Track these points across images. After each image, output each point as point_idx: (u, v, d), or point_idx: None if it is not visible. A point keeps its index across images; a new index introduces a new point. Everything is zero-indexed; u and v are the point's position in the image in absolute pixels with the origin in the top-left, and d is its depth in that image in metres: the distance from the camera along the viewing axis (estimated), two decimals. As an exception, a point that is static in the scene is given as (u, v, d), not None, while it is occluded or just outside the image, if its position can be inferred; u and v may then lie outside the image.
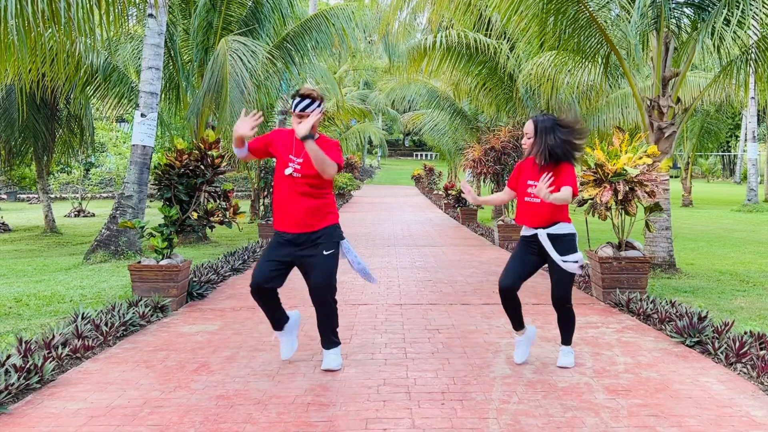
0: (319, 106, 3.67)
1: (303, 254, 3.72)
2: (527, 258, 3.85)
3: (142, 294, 5.53)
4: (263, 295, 3.77)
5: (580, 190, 5.96)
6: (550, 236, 3.76)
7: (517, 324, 3.95)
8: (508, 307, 3.88)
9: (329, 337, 3.88)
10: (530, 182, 3.76)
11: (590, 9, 7.37)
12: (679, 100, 8.05)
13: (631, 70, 7.96)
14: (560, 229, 3.77)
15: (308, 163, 3.67)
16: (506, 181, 3.97)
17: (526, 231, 3.88)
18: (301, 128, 3.49)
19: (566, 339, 3.97)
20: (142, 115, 9.36)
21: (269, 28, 12.39)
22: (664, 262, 7.66)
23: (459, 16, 12.00)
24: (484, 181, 13.58)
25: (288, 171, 3.70)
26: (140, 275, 5.57)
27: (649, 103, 7.85)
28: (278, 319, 3.91)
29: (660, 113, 7.78)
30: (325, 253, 3.71)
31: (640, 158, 5.82)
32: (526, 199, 3.78)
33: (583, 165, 6.02)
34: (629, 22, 7.29)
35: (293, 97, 3.69)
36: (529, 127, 3.77)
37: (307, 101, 3.62)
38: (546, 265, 3.87)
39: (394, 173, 50.60)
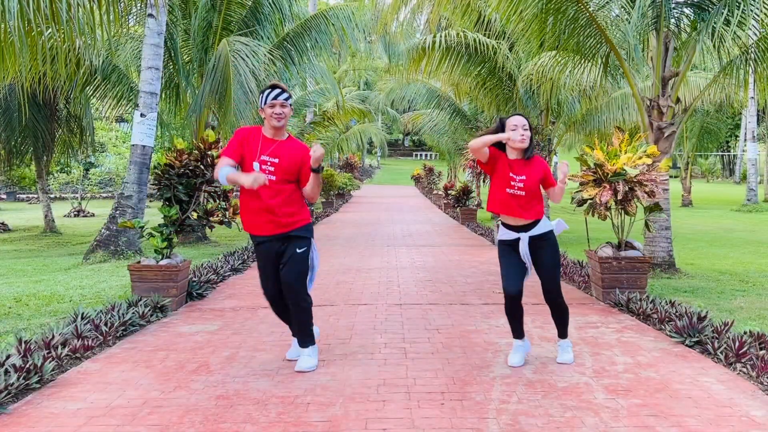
0: (289, 98, 3.76)
1: (277, 250, 3.79)
2: (518, 259, 3.87)
3: (141, 294, 5.53)
4: (280, 304, 3.91)
5: (580, 191, 5.97)
6: (534, 238, 3.82)
7: (520, 332, 3.99)
8: (515, 313, 3.92)
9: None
10: (514, 175, 3.75)
11: (590, 9, 7.37)
12: (678, 100, 8.05)
13: (630, 70, 7.96)
14: (541, 228, 3.84)
15: (283, 162, 3.69)
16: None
17: (507, 235, 3.87)
18: (318, 159, 3.61)
19: (563, 332, 4.03)
20: (142, 115, 9.36)
21: (269, 28, 12.39)
22: (663, 262, 7.66)
23: (458, 16, 12.01)
24: (483, 181, 13.59)
25: (263, 173, 3.64)
26: (140, 275, 5.57)
27: (648, 103, 7.86)
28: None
29: (660, 113, 7.78)
30: (298, 251, 3.77)
31: (640, 158, 5.82)
32: (509, 191, 3.77)
33: (582, 165, 6.02)
34: (629, 22, 7.28)
35: (268, 89, 3.71)
36: (523, 120, 3.78)
37: (283, 92, 3.70)
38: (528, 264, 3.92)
39: (394, 173, 50.59)
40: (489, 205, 3.91)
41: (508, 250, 3.89)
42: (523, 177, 3.76)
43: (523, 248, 3.82)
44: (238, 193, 4.05)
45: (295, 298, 3.80)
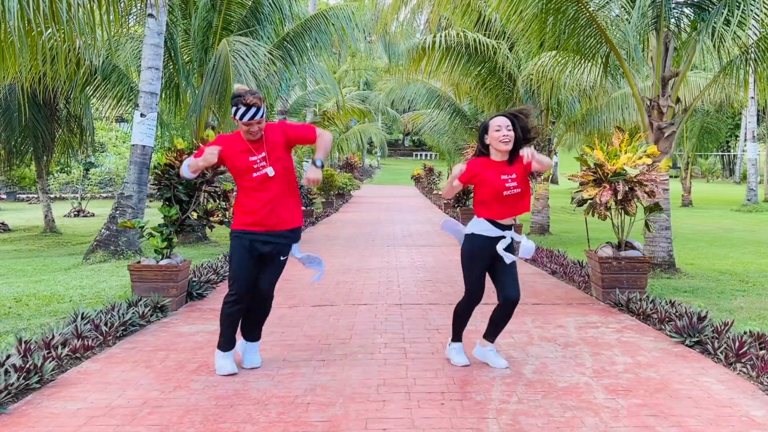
0: (263, 113, 3.64)
1: (263, 251, 3.74)
2: (487, 263, 3.81)
3: (141, 294, 5.53)
4: (244, 303, 3.79)
5: (580, 191, 5.97)
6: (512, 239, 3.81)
7: (462, 333, 4.02)
8: (470, 315, 3.96)
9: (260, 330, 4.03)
10: (506, 177, 3.71)
11: (590, 9, 7.37)
12: (678, 100, 8.05)
13: (630, 70, 7.96)
14: (516, 233, 3.87)
15: (270, 151, 3.69)
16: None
17: (491, 232, 3.75)
18: (317, 177, 3.66)
19: (495, 336, 3.98)
20: (142, 115, 9.36)
21: (269, 28, 12.39)
22: (663, 262, 7.66)
23: (458, 16, 12.00)
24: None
25: (258, 173, 3.67)
26: (140, 275, 5.57)
27: (648, 103, 7.86)
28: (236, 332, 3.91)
29: (660, 113, 7.78)
30: (282, 258, 3.81)
31: (640, 158, 5.82)
32: (506, 193, 3.71)
33: (582, 165, 6.02)
34: (629, 22, 7.29)
35: (242, 107, 3.55)
36: (505, 120, 3.72)
37: (253, 110, 3.57)
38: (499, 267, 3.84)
39: (394, 173, 50.60)
40: (482, 213, 3.78)
41: (486, 248, 3.75)
42: (514, 175, 3.73)
43: (503, 247, 3.73)
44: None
45: (268, 299, 3.89)
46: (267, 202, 3.68)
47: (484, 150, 3.82)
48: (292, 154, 3.93)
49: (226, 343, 3.85)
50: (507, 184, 3.72)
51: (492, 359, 3.95)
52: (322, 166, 3.72)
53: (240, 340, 4.01)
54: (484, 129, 3.80)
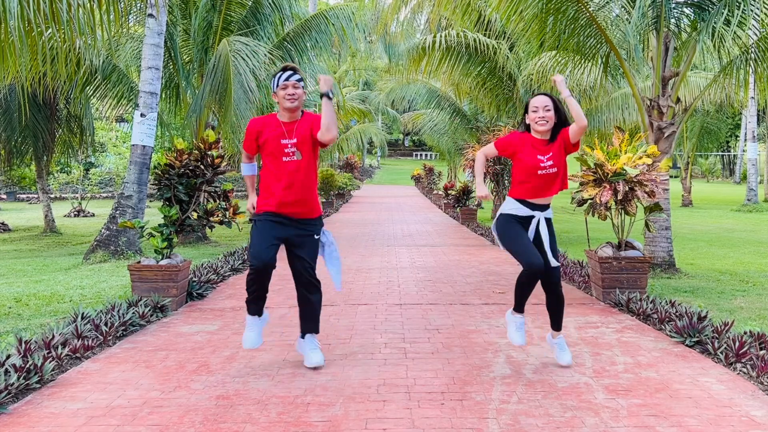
0: (301, 79, 3.78)
1: (294, 234, 3.79)
2: (526, 233, 3.74)
3: (141, 294, 5.53)
4: (266, 277, 3.80)
5: (580, 191, 5.98)
6: (546, 221, 3.78)
7: (524, 305, 3.91)
8: (533, 286, 3.77)
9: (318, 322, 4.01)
10: (542, 157, 3.68)
11: (590, 9, 7.37)
12: (678, 100, 8.05)
13: (630, 70, 7.96)
14: (551, 212, 3.82)
15: (299, 138, 3.73)
16: (509, 177, 3.90)
17: (520, 211, 3.74)
18: (328, 83, 3.65)
19: (559, 324, 3.89)
20: (142, 115, 9.36)
21: (269, 28, 12.39)
22: (663, 262, 7.66)
23: (459, 16, 12.01)
24: (483, 181, 13.58)
25: (288, 158, 3.73)
26: (140, 275, 5.57)
27: (649, 103, 7.86)
28: (263, 302, 3.95)
29: (660, 113, 7.78)
30: (315, 237, 3.86)
31: (640, 158, 5.82)
32: (540, 172, 3.67)
33: (582, 165, 6.02)
34: (629, 22, 7.29)
35: (279, 71, 3.73)
36: (546, 100, 3.71)
37: (295, 73, 3.73)
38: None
39: (394, 173, 50.60)
40: (516, 192, 3.76)
41: (516, 224, 3.73)
42: (551, 154, 3.69)
43: (534, 227, 3.69)
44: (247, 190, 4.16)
45: (313, 286, 3.87)
46: (293, 187, 3.72)
47: (527, 128, 3.82)
48: None
49: (251, 310, 3.92)
50: (542, 164, 3.68)
51: (557, 353, 3.90)
52: (329, 98, 3.71)
53: (298, 339, 4.03)
54: (526, 107, 3.81)
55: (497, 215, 3.85)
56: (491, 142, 3.93)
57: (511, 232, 3.74)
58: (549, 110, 3.70)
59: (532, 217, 3.75)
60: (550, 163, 3.68)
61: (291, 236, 3.80)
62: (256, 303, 3.91)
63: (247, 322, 3.96)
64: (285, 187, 3.72)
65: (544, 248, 3.74)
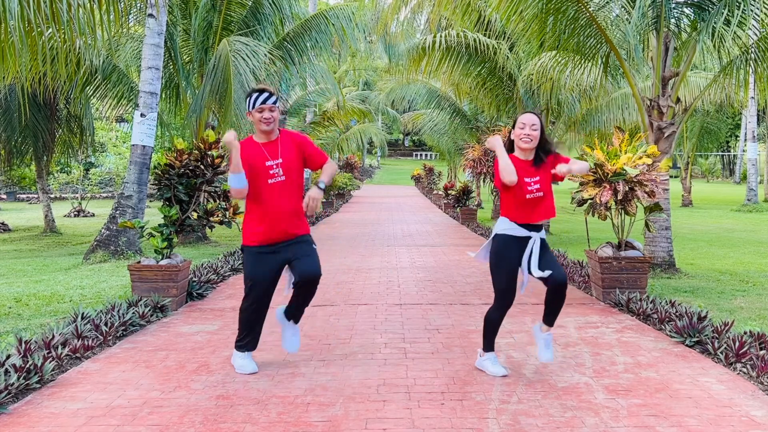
0: (276, 101, 3.72)
1: (289, 253, 3.70)
2: (518, 265, 3.70)
3: (141, 294, 5.53)
4: (263, 312, 3.78)
5: (580, 191, 5.97)
6: (541, 240, 3.73)
7: (493, 343, 3.86)
8: (501, 322, 3.78)
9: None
10: (529, 180, 3.62)
11: (590, 9, 7.37)
12: (678, 100, 8.05)
13: (630, 70, 7.96)
14: (544, 233, 3.79)
15: (285, 158, 3.68)
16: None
17: (517, 231, 3.67)
18: (318, 196, 3.63)
19: (553, 320, 3.78)
20: (142, 115, 9.36)
21: (269, 28, 12.39)
22: (663, 262, 7.66)
23: (459, 16, 12.01)
24: (483, 181, 13.58)
25: (273, 179, 3.65)
26: (140, 275, 5.57)
27: (649, 103, 7.86)
28: (258, 336, 3.90)
29: (660, 113, 7.78)
30: (314, 245, 3.81)
31: (640, 158, 5.82)
32: (528, 196, 3.61)
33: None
34: (629, 22, 7.29)
35: (255, 92, 3.64)
36: (534, 119, 3.66)
37: (271, 96, 3.65)
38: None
39: (394, 173, 50.60)
40: (508, 214, 3.71)
41: (514, 247, 3.66)
42: (537, 178, 3.63)
43: (534, 248, 3.64)
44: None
45: (316, 282, 3.76)
46: (280, 211, 3.64)
47: (510, 145, 3.75)
48: None
49: (244, 346, 3.84)
50: (529, 188, 3.61)
51: (540, 348, 3.78)
52: (324, 190, 3.70)
53: (284, 322, 3.94)
54: (513, 123, 3.76)
55: (493, 235, 3.75)
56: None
57: (502, 265, 3.67)
58: (536, 129, 3.63)
59: (529, 237, 3.68)
60: (537, 186, 3.62)
61: (287, 257, 3.72)
62: (251, 338, 3.83)
63: (238, 353, 3.87)
64: (271, 211, 3.64)
65: (538, 265, 3.65)
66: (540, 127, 3.66)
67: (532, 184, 3.62)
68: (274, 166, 3.65)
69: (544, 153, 3.70)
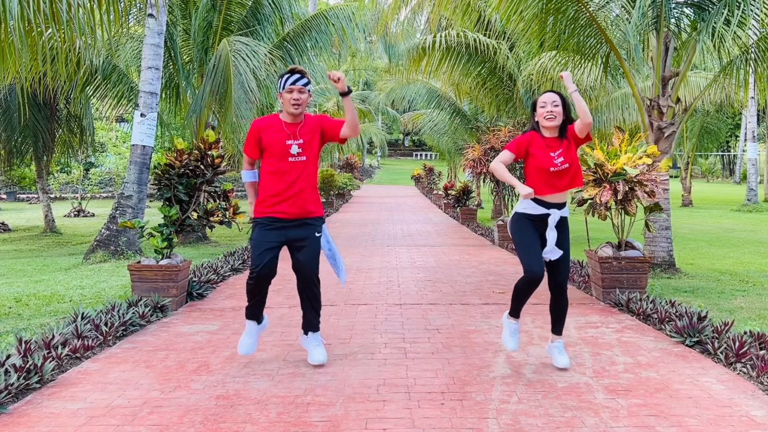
0: (308, 83, 3.79)
1: (295, 235, 3.79)
2: (538, 237, 3.72)
3: (141, 294, 5.53)
4: (265, 284, 3.84)
5: (580, 191, 5.98)
6: (563, 217, 3.75)
7: (520, 311, 3.92)
8: (529, 295, 3.78)
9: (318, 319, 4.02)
10: (554, 155, 3.67)
11: (590, 9, 7.37)
12: (678, 100, 8.05)
13: (631, 70, 7.96)
14: (567, 211, 3.80)
15: (308, 143, 3.76)
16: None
17: (534, 209, 3.71)
18: (342, 80, 3.61)
19: (560, 328, 3.89)
20: (142, 115, 9.36)
21: (269, 28, 12.40)
22: (663, 262, 7.66)
23: (459, 16, 12.01)
24: (483, 181, 13.57)
25: (294, 158, 3.73)
26: (140, 275, 5.57)
27: (649, 103, 7.86)
28: (263, 307, 3.99)
29: (660, 113, 7.79)
30: (317, 234, 3.85)
31: (640, 158, 5.82)
32: (552, 169, 3.66)
33: (582, 165, 6.02)
34: (629, 22, 7.29)
35: (287, 73, 3.73)
36: (554, 96, 3.72)
37: (302, 77, 3.73)
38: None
39: (394, 173, 50.61)
40: (530, 186, 3.74)
41: (530, 225, 3.72)
42: (561, 150, 3.69)
43: (553, 225, 3.67)
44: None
45: (313, 283, 3.85)
46: (296, 188, 3.73)
47: (535, 126, 3.81)
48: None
49: (250, 314, 3.96)
50: (555, 161, 3.67)
51: (554, 356, 3.88)
52: (350, 92, 3.71)
53: (306, 345, 4.03)
54: (533, 106, 3.81)
55: (513, 214, 3.84)
56: (503, 151, 3.83)
57: (522, 236, 3.74)
58: (557, 105, 3.70)
59: (548, 215, 3.72)
60: (561, 159, 3.68)
61: (292, 238, 3.80)
62: (255, 308, 3.94)
63: (246, 326, 4.00)
64: (287, 187, 3.73)
65: (555, 245, 3.71)
66: (561, 103, 3.72)
67: (557, 157, 3.68)
68: (295, 146, 3.73)
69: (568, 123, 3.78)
